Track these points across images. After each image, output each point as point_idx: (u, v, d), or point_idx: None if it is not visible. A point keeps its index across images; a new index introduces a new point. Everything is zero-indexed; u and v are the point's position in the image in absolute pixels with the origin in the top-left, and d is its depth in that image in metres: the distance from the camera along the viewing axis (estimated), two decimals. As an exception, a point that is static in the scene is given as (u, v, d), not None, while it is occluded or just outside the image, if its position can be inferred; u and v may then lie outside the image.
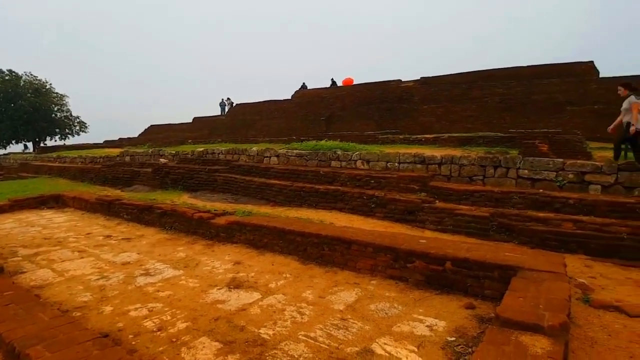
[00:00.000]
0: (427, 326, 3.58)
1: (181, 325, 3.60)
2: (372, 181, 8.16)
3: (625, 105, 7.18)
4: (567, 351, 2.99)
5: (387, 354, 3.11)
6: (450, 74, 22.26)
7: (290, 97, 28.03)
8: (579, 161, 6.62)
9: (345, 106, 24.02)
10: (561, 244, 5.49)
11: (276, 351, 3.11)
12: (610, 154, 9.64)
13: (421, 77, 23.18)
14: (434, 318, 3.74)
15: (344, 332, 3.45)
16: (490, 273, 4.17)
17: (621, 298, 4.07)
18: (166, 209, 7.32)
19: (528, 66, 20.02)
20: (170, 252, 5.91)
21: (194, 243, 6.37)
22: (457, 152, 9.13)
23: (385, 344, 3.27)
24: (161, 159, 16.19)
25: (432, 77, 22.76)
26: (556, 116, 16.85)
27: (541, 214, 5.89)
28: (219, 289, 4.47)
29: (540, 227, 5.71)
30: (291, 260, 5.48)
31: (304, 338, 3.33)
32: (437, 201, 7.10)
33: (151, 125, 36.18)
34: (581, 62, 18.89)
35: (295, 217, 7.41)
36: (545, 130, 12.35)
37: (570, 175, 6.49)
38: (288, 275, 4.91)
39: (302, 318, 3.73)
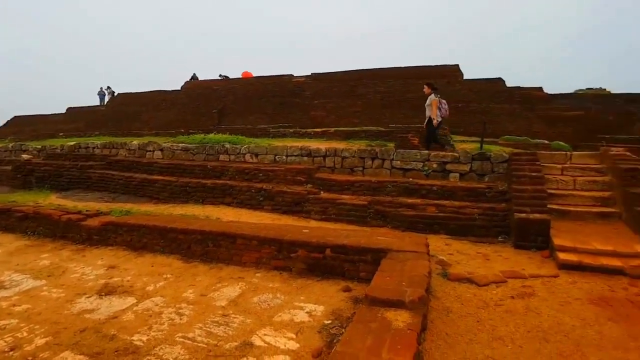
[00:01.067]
0: (306, 312, 3.68)
1: (40, 342, 3.19)
2: (261, 174, 8.14)
3: (427, 102, 8.65)
4: (425, 322, 3.31)
5: (265, 345, 3.12)
6: (339, 72, 23.07)
7: (180, 88, 26.49)
8: (441, 152, 7.40)
9: (238, 99, 23.50)
10: (427, 226, 6.10)
11: (150, 357, 2.94)
12: (468, 145, 10.95)
13: (312, 73, 23.65)
14: (314, 304, 3.86)
15: (225, 329, 3.39)
16: (365, 257, 4.44)
17: (472, 270, 4.63)
18: (28, 212, 6.43)
19: (405, 67, 21.60)
20: (31, 261, 5.21)
21: (62, 249, 5.70)
22: (341, 145, 9.53)
23: (265, 334, 3.28)
24: (24, 155, 14.11)
25: (323, 73, 23.34)
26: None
27: (410, 200, 6.47)
28: (87, 297, 4.06)
29: (410, 212, 6.27)
30: (174, 260, 5.21)
31: (181, 340, 3.19)
32: (321, 192, 7.35)
33: (15, 117, 31.28)
34: (448, 65, 20.90)
35: (180, 214, 7.06)
36: (420, 125, 13.51)
37: (434, 165, 7.22)
38: (169, 276, 4.66)
39: (180, 319, 3.57)
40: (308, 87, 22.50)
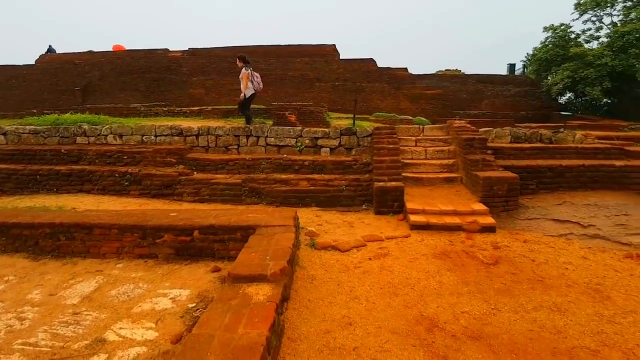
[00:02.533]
0: (170, 299, 3.49)
1: None
2: (126, 157, 7.43)
3: (240, 76, 8.76)
4: (288, 292, 3.37)
5: (120, 339, 2.87)
6: (219, 47, 22.01)
7: (34, 63, 22.73)
8: (312, 128, 7.59)
9: (105, 75, 21.04)
10: (299, 200, 6.24)
11: (-28, 373, 2.49)
12: (343, 122, 11.44)
13: (189, 48, 22.20)
14: (180, 289, 3.68)
15: (74, 328, 3.03)
16: (234, 235, 4.35)
17: (337, 238, 4.86)
18: None
19: (285, 45, 21.49)
20: None
21: None
22: (219, 124, 9.16)
23: (121, 328, 3.02)
24: None
25: (201, 48, 22.05)
26: (308, 91, 18.91)
27: (284, 176, 6.54)
28: None
29: (283, 187, 6.34)
30: (18, 259, 4.50)
31: (20, 347, 2.77)
32: (195, 172, 7.01)
33: None
34: (326, 44, 21.34)
35: (27, 207, 6.14)
36: (300, 103, 13.68)
37: (307, 141, 7.38)
38: (11, 278, 4.02)
39: (22, 324, 3.10)
40: (185, 62, 21.11)
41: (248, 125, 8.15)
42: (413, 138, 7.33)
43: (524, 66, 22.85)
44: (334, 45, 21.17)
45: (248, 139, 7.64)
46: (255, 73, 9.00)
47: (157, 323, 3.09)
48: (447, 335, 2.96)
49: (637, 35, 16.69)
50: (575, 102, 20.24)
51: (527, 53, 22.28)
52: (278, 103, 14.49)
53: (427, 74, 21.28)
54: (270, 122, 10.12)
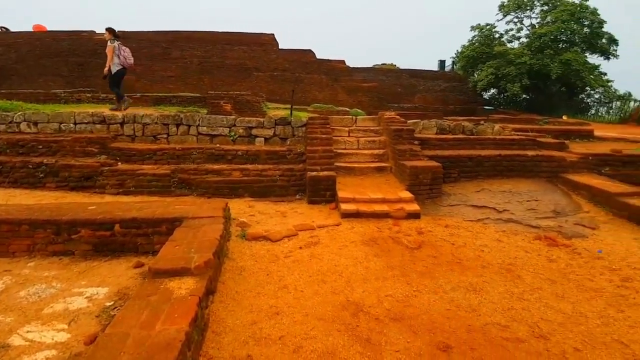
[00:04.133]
0: (86, 298, 3.25)
1: None
2: (41, 146, 6.78)
3: (107, 49, 8.44)
4: (213, 285, 3.27)
5: (27, 343, 2.62)
6: (150, 31, 20.78)
7: None
8: (246, 118, 7.40)
9: (22, 58, 19.08)
10: (232, 191, 6.09)
11: None
12: (281, 112, 11.32)
13: (118, 31, 20.69)
14: (97, 287, 3.43)
15: (-30, 335, 2.71)
16: (159, 228, 4.14)
17: (269, 228, 4.80)
18: None
19: (223, 32, 20.78)
20: None
21: None
22: (148, 112, 8.65)
23: (28, 331, 2.75)
24: None
25: (130, 32, 20.68)
26: (246, 80, 18.51)
27: (216, 166, 6.33)
28: None
29: (215, 177, 6.14)
30: None
31: None
32: (119, 163, 6.57)
33: None
34: (265, 33, 20.93)
35: None
36: (238, 92, 13.34)
37: (241, 130, 7.19)
38: None
39: None
40: (113, 47, 19.69)
41: (118, 106, 7.98)
42: (346, 128, 7.42)
43: (453, 63, 24.05)
44: (273, 34, 20.85)
45: (178, 128, 7.29)
46: (125, 47, 8.61)
47: (70, 324, 2.87)
48: (371, 319, 3.03)
49: (551, 37, 18.19)
50: (498, 98, 21.72)
51: (457, 50, 23.45)
52: (215, 92, 14.03)
53: (364, 67, 21.69)
54: (205, 111, 9.76)
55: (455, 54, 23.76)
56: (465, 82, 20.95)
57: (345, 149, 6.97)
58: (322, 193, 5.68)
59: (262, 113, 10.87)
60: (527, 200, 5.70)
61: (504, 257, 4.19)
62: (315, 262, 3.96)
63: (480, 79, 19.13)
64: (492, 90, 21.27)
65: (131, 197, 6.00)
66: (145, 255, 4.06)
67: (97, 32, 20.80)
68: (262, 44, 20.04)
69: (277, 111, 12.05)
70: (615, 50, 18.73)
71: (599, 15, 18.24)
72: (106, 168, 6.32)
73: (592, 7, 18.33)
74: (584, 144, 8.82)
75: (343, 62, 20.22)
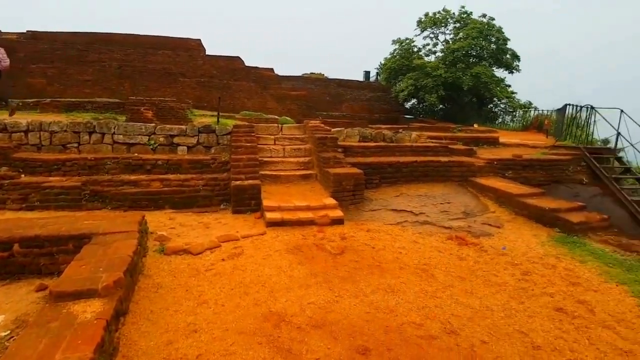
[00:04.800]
0: (-26, 328, 2.84)
1: None
2: None
3: None
4: (124, 305, 3.02)
5: None
6: (65, 32, 19.09)
7: None
8: (168, 125, 7.03)
9: None
10: (151, 203, 5.74)
11: None
12: (207, 120, 10.96)
13: (28, 31, 18.80)
14: (-9, 315, 3.02)
15: None
16: (65, 246, 3.79)
17: (190, 241, 4.58)
18: None
19: (145, 35, 19.70)
20: None
21: None
22: (59, 118, 7.90)
23: None
24: None
25: (43, 32, 18.83)
26: (171, 86, 17.71)
27: (133, 177, 5.93)
28: None
29: (133, 189, 5.75)
30: None
31: None
32: (22, 175, 5.91)
33: None
34: (191, 38, 20.18)
35: None
36: (161, 98, 12.67)
37: (161, 139, 6.83)
38: None
39: None
40: (22, 47, 17.80)
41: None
42: (272, 137, 7.36)
43: (377, 74, 25.05)
44: (200, 40, 20.19)
45: (91, 136, 6.73)
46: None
47: (-50, 361, 2.48)
48: (293, 328, 2.99)
49: (463, 52, 19.63)
50: (418, 107, 22.95)
51: (380, 62, 24.44)
52: (136, 97, 13.22)
53: (293, 76, 21.78)
54: (123, 118, 9.15)
55: (379, 65, 24.77)
56: (389, 92, 21.87)
57: (271, 157, 6.91)
58: (247, 202, 5.56)
59: (187, 120, 10.44)
60: (441, 203, 6.06)
61: (419, 257, 4.39)
62: (238, 273, 3.85)
63: (402, 89, 20.10)
64: (413, 100, 22.42)
65: (36, 212, 5.41)
66: (50, 277, 3.68)
67: (2, 31, 18.73)
68: (188, 49, 19.31)
69: (204, 118, 11.66)
70: (518, 65, 20.73)
71: (503, 33, 20.07)
72: (6, 181, 5.65)
73: (497, 25, 20.13)
74: (490, 150, 9.61)
75: (272, 70, 20.14)
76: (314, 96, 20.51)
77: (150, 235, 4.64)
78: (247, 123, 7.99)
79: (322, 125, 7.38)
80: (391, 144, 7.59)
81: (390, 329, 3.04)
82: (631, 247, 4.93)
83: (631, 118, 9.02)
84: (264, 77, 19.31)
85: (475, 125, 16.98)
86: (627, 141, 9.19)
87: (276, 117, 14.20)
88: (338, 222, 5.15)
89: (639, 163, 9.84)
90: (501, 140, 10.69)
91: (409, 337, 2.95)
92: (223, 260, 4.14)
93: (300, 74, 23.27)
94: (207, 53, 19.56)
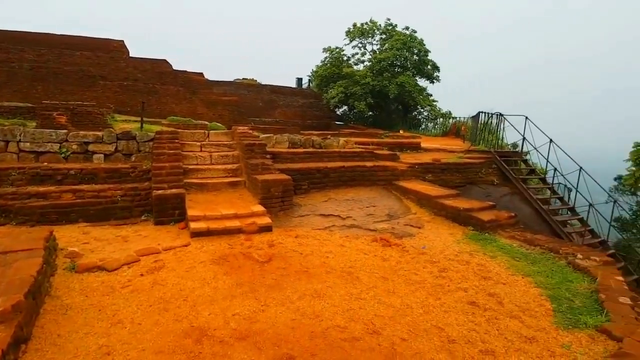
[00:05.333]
0: None
1: None
2: None
3: None
4: (25, 331, 2.70)
5: None
6: (-33, 30, 16.99)
7: None
8: (82, 132, 6.48)
9: None
10: (62, 216, 5.23)
11: None
12: (130, 125, 10.29)
13: None
14: None
15: None
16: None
17: (106, 256, 4.23)
18: None
19: (61, 35, 18.14)
20: None
21: None
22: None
23: None
24: None
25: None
26: (91, 89, 16.48)
27: (42, 189, 5.37)
28: None
29: (41, 202, 5.21)
30: None
31: None
32: None
33: None
34: (114, 39, 18.94)
35: None
36: (79, 102, 11.68)
37: (75, 146, 6.27)
38: None
39: None
40: None
41: None
42: (198, 143, 7.08)
43: (309, 81, 25.36)
44: (123, 41, 19.02)
45: (-8, 145, 6.02)
46: None
47: None
48: (216, 342, 2.87)
49: (389, 62, 20.52)
50: (349, 114, 23.59)
51: (312, 69, 24.78)
52: (50, 101, 12.10)
53: (224, 81, 21.31)
54: (34, 124, 8.29)
55: (311, 72, 25.11)
56: (321, 99, 22.22)
57: (197, 164, 6.64)
58: (170, 212, 5.27)
59: (107, 126, 9.72)
60: (367, 207, 6.23)
61: (346, 261, 4.45)
62: (158, 289, 3.62)
63: (333, 96, 20.53)
64: (344, 107, 23.01)
65: None
66: None
67: None
68: (109, 51, 18.08)
69: (127, 124, 10.95)
70: (438, 76, 22.13)
71: (424, 45, 21.34)
72: None
73: (419, 38, 21.36)
74: (413, 154, 10.10)
75: (201, 74, 19.51)
76: (246, 102, 20.23)
77: (60, 251, 4.23)
78: (169, 129, 7.62)
79: (251, 131, 7.26)
80: (320, 150, 7.67)
81: (316, 335, 3.03)
82: (535, 241, 5.39)
83: (535, 124, 9.96)
84: (193, 82, 18.63)
85: (401, 132, 17.81)
86: (532, 145, 10.15)
87: (206, 123, 13.76)
88: (266, 229, 5.07)
89: (542, 165, 10.93)
90: (423, 145, 11.28)
91: (333, 340, 2.96)
92: (142, 275, 3.88)
93: (232, 80, 22.83)
94: (131, 55, 18.48)
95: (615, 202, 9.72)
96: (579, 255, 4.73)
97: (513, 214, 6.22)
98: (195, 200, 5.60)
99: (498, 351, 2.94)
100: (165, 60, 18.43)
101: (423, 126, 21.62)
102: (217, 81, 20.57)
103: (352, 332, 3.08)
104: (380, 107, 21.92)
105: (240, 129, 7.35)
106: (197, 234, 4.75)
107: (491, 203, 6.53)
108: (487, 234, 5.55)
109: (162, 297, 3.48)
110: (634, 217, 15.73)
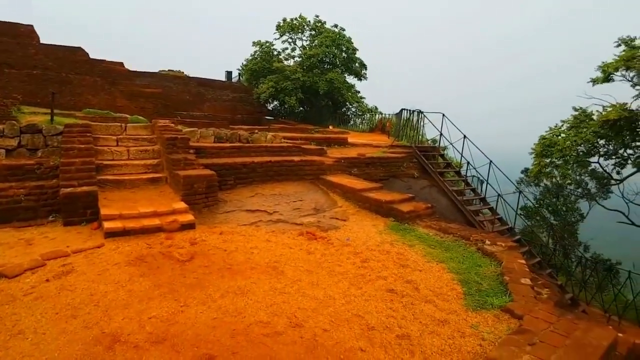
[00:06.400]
0: None
1: None
2: None
3: None
4: None
5: None
6: None
7: None
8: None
9: None
10: (-50, 220, 4.56)
11: None
12: (40, 118, 9.25)
13: None
14: None
15: None
16: None
17: (6, 262, 3.79)
18: None
19: (-46, 17, 15.78)
20: None
21: None
22: None
23: None
24: None
25: None
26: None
27: None
28: None
29: None
30: None
31: None
32: None
33: None
34: (21, 24, 16.85)
35: None
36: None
37: (-35, 141, 5.50)
38: None
39: None
40: None
41: None
42: (114, 137, 6.55)
43: (239, 74, 24.72)
44: (32, 26, 17.05)
45: None
46: None
47: None
48: (130, 348, 2.69)
49: (319, 58, 20.67)
50: (280, 109, 23.40)
51: (242, 63, 24.13)
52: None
53: (147, 72, 19.99)
54: None
55: (241, 66, 24.46)
56: (251, 94, 21.74)
57: (113, 159, 6.15)
58: (81, 212, 4.82)
59: (12, 119, 8.66)
60: (294, 201, 6.23)
61: (271, 256, 4.41)
62: (65, 294, 3.30)
63: (263, 91, 20.21)
64: (275, 102, 22.77)
65: None
66: None
67: None
68: (16, 36, 16.09)
69: (35, 117, 9.81)
70: (365, 73, 22.75)
71: (352, 43, 21.79)
72: None
73: (347, 36, 21.75)
74: (340, 149, 10.29)
75: (121, 64, 18.12)
76: (172, 95, 19.20)
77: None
78: (85, 122, 6.98)
79: (172, 124, 6.87)
80: (247, 145, 7.50)
81: (237, 332, 2.95)
82: (449, 229, 5.75)
83: (451, 121, 10.65)
84: (112, 72, 17.25)
85: (331, 127, 18.08)
86: (448, 141, 10.84)
87: (127, 116, 12.79)
88: (189, 226, 4.84)
89: (457, 159, 11.74)
90: (350, 140, 11.55)
91: (255, 337, 2.90)
92: (47, 280, 3.52)
93: (156, 71, 21.52)
94: (42, 42, 16.63)
95: (520, 192, 10.74)
96: (487, 242, 5.13)
97: (430, 205, 6.59)
98: (110, 199, 5.18)
99: (413, 335, 3.08)
100: (80, 47, 16.85)
101: (352, 122, 22.12)
102: (140, 72, 19.24)
103: (275, 327, 3.05)
104: (310, 103, 22.05)
105: (162, 122, 6.93)
106: (111, 234, 4.40)
107: (411, 195, 6.86)
108: (406, 224, 5.82)
109: (70, 303, 3.18)
110: (537, 205, 17.59)
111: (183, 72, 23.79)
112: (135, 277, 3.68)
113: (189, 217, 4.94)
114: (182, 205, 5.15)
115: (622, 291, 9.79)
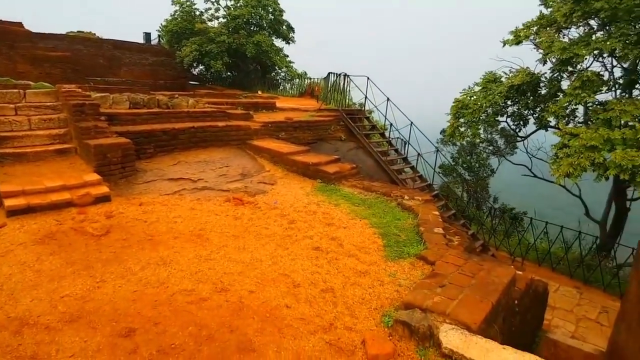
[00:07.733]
0: None
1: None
2: None
3: None
4: None
5: None
6: None
7: None
8: None
9: None
10: None
11: None
12: None
13: None
14: None
15: None
16: None
17: None
18: None
19: None
20: None
21: None
22: None
23: None
24: None
25: None
26: None
27: None
28: None
29: None
30: None
31: None
32: None
33: None
34: None
35: None
36: None
37: None
38: None
39: None
40: None
41: None
42: (12, 105, 5.73)
43: (159, 37, 22.80)
44: None
45: None
46: None
47: None
48: (40, 330, 2.50)
49: (244, 20, 19.65)
50: (206, 74, 22.17)
51: (161, 24, 22.19)
52: None
53: (52, 34, 17.67)
54: None
55: (160, 27, 22.51)
56: (174, 57, 20.23)
57: (12, 130, 5.41)
58: (-27, 190, 4.25)
59: None
60: (220, 167, 6.02)
61: (195, 224, 4.27)
62: (-41, 282, 2.94)
63: (186, 54, 18.86)
64: (200, 67, 21.48)
65: None
66: None
67: None
68: None
69: None
70: (293, 37, 22.13)
71: (279, 4, 20.93)
72: None
73: (273, -4, 20.80)
74: (268, 114, 10.07)
75: (20, 24, 15.75)
76: (83, 59, 17.28)
77: None
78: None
79: (79, 90, 6.15)
80: (166, 110, 7.00)
81: (160, 302, 2.86)
82: (372, 188, 5.95)
83: (375, 85, 10.83)
84: (10, 34, 14.97)
85: (260, 92, 17.56)
86: (372, 104, 11.07)
87: (30, 83, 11.31)
88: (104, 199, 4.48)
89: (382, 121, 12.09)
90: (278, 105, 11.33)
91: (179, 305, 2.83)
92: None
93: (63, 33, 19.09)
94: None
95: (438, 151, 11.42)
96: (406, 197, 5.40)
97: (355, 166, 6.76)
98: (11, 174, 4.61)
99: (337, 287, 3.20)
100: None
101: (281, 87, 21.66)
102: (44, 33, 16.94)
103: (200, 294, 2.99)
104: (238, 68, 21.13)
105: (67, 87, 6.17)
106: (14, 213, 3.94)
107: (337, 157, 6.97)
108: (332, 185, 5.92)
109: (-35, 291, 2.84)
110: (453, 163, 18.89)
111: (95, 34, 21.41)
112: (44, 256, 3.37)
113: (103, 189, 4.56)
114: (94, 177, 4.73)
115: (525, 236, 11.05)
